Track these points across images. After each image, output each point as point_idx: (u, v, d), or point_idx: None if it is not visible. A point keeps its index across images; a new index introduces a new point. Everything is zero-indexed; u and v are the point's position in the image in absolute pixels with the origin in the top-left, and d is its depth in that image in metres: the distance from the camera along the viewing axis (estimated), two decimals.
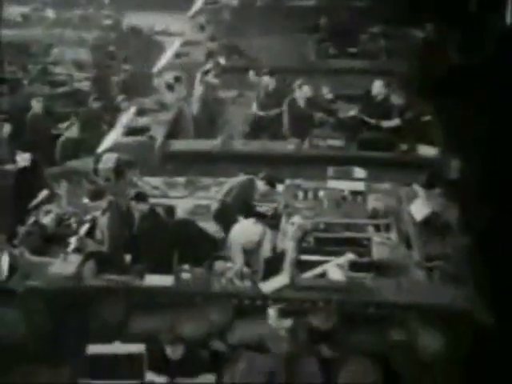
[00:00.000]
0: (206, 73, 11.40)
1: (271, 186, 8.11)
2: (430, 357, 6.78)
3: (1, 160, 9.26)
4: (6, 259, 7.18)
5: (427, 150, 9.76)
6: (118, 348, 5.69)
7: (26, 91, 12.72)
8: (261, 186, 8.08)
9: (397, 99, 10.24)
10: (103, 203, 7.54)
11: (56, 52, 15.05)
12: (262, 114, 10.67)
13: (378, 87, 10.07)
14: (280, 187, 8.58)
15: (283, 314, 6.59)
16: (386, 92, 10.05)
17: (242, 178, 8.30)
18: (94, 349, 5.61)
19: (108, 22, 17.56)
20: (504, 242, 8.54)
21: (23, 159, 8.86)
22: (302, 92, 10.21)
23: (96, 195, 7.74)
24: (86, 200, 8.07)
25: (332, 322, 6.94)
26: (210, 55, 12.94)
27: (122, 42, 16.45)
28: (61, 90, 12.99)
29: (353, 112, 10.24)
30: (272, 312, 6.58)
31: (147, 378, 5.63)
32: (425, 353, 6.81)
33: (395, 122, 9.87)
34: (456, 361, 6.73)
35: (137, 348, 5.58)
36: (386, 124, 9.84)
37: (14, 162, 8.97)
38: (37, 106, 10.88)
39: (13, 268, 7.16)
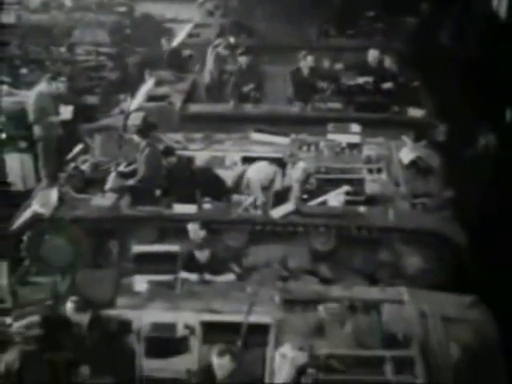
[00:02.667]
0: (217, 46, 12.62)
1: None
2: (413, 272, 8.03)
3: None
4: (55, 193, 8.46)
5: (416, 112, 10.99)
6: (157, 247, 6.98)
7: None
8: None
9: (390, 65, 11.45)
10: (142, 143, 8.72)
11: (77, 34, 16.25)
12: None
13: (373, 55, 11.33)
14: (286, 140, 9.84)
15: None
16: (381, 59, 11.29)
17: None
18: (137, 248, 6.90)
19: (122, 8, 18.70)
20: (476, 189, 9.77)
21: (66, 112, 10.13)
22: (307, 62, 11.44)
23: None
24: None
25: (331, 245, 8.23)
26: (221, 33, 14.13)
27: (135, 27, 17.65)
28: (83, 65, 14.13)
29: (364, 79, 11.39)
30: None
31: (181, 276, 6.90)
32: (408, 270, 8.07)
33: (389, 85, 11.07)
34: (435, 273, 7.99)
35: (173, 248, 6.86)
36: (383, 86, 11.02)
37: (58, 114, 10.21)
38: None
39: (61, 201, 8.43)
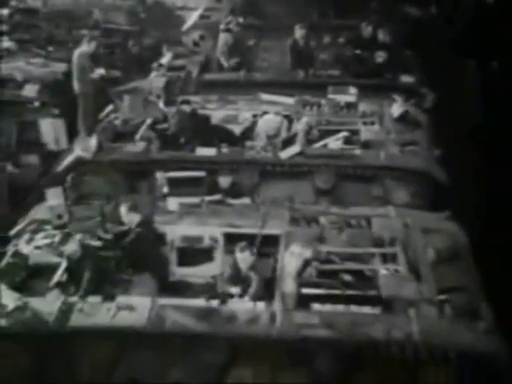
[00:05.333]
0: (228, 23, 14.04)
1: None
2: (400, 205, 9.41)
3: None
4: (94, 140, 9.88)
5: (407, 79, 12.40)
6: (187, 173, 8.41)
7: None
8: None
9: (383, 38, 12.86)
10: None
11: (96, 16, 17.64)
12: (225, 63, 13.24)
13: (367, 29, 12.75)
14: (291, 100, 11.25)
15: None
16: (375, 32, 12.71)
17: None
18: (171, 174, 8.35)
19: None
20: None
21: (97, 73, 11.60)
22: (301, 33, 12.82)
23: None
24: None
25: (331, 182, 9.63)
26: (231, 12, 15.55)
27: (148, 12, 19.05)
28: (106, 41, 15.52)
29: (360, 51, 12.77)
30: None
31: (206, 198, 8.33)
32: (396, 203, 9.44)
33: (381, 54, 12.47)
34: (420, 207, 9.36)
35: (200, 173, 8.29)
36: (377, 56, 12.43)
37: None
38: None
39: (99, 147, 9.84)
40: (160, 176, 9.24)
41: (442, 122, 11.63)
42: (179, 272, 8.07)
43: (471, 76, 14.38)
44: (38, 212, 8.32)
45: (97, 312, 6.61)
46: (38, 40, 15.45)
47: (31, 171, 12.03)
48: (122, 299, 6.78)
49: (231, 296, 7.09)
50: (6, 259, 7.35)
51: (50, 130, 12.73)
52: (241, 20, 15.41)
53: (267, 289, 7.21)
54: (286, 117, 10.62)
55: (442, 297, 6.82)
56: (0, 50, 14.42)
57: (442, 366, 6.10)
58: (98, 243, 7.34)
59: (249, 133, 10.28)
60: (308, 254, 7.20)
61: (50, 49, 15.28)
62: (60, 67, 13.39)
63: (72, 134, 12.11)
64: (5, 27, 16.14)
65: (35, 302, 6.73)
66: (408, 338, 6.23)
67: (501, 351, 6.19)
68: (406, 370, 6.22)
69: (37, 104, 12.82)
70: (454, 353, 6.12)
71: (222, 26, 14.09)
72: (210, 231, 8.00)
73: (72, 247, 7.18)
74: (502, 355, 6.16)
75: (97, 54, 12.27)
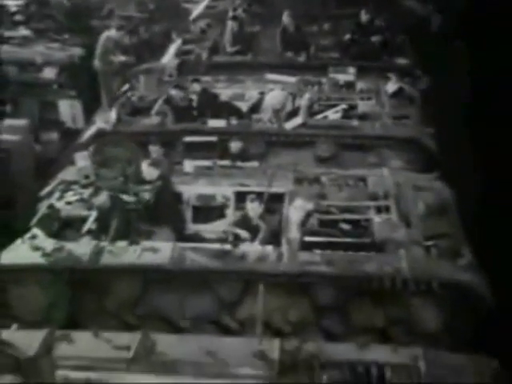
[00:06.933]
0: (236, 10, 14.94)
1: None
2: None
3: None
4: (114, 113, 10.79)
5: (402, 61, 13.30)
6: (202, 138, 9.34)
7: None
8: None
9: (379, 23, 13.76)
10: None
11: (108, 6, 18.54)
12: (228, 49, 14.10)
13: (364, 16, 13.66)
14: (294, 79, 12.16)
15: None
16: (372, 18, 13.62)
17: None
18: (188, 138, 9.29)
19: None
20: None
21: (119, 58, 12.60)
22: (288, 19, 13.73)
23: None
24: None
25: (331, 151, 10.52)
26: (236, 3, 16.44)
27: (156, 3, 19.94)
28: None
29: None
30: None
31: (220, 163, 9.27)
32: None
33: (378, 38, 13.37)
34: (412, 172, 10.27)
35: (212, 138, 9.22)
36: (373, 39, 13.33)
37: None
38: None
39: (119, 119, 10.76)
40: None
41: (434, 101, 12.52)
42: (194, 228, 8.96)
43: (461, 59, 15.26)
44: (67, 174, 9.24)
45: (124, 253, 7.54)
46: (54, 29, 16.33)
47: (51, 147, 13.01)
48: (146, 243, 7.70)
49: (242, 240, 7.98)
50: (42, 211, 8.26)
51: (68, 109, 13.71)
52: (246, 7, 16.37)
53: (274, 238, 8.11)
54: (290, 94, 11.51)
55: (429, 242, 7.73)
56: (18, 38, 15.30)
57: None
58: (123, 197, 8.25)
59: (256, 108, 11.17)
60: (310, 206, 8.10)
61: (66, 36, 16.22)
62: (77, 51, 14.32)
63: (88, 114, 13.08)
64: (21, 17, 17.05)
65: (70, 245, 7.65)
66: (398, 272, 7.13)
67: (477, 282, 7.10)
68: (396, 300, 7.13)
69: (55, 86, 13.78)
70: (437, 283, 7.02)
71: (229, 14, 15.01)
72: (222, 190, 8.90)
73: (102, 198, 8.09)
74: (478, 286, 7.06)
75: (121, 42, 13.15)
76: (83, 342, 6.10)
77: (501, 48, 13.05)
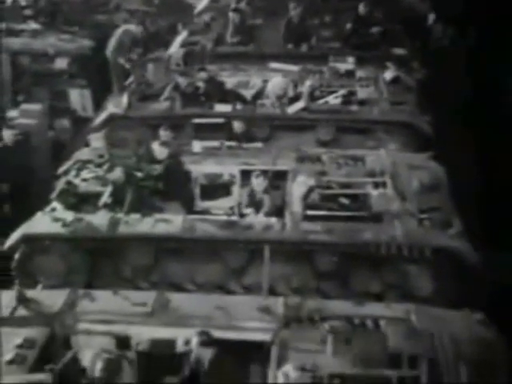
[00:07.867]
0: (239, 2, 15.48)
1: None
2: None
3: None
4: (125, 98, 11.36)
5: (398, 51, 13.84)
6: (210, 120, 9.92)
7: None
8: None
9: (378, 15, 14.31)
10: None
11: (115, 1, 19.07)
12: (230, 40, 14.55)
13: (363, 8, 14.20)
14: (296, 68, 12.71)
15: None
16: (370, 10, 14.16)
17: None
18: (196, 120, 9.88)
19: None
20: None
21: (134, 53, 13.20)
22: (295, 11, 14.26)
23: None
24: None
25: (331, 135, 11.08)
26: None
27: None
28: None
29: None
30: None
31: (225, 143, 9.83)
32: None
33: (376, 29, 13.92)
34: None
35: (221, 119, 9.80)
36: (372, 30, 13.89)
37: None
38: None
39: (129, 104, 11.32)
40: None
41: (430, 91, 13.07)
42: (202, 205, 9.51)
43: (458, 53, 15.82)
44: (82, 154, 9.82)
45: (139, 223, 8.11)
46: (62, 22, 16.88)
47: (63, 133, 13.59)
48: (158, 215, 8.27)
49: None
50: (60, 186, 8.83)
51: (78, 98, 14.28)
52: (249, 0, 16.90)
53: (278, 212, 8.67)
54: (292, 81, 12.06)
55: (422, 215, 8.29)
56: (29, 31, 15.86)
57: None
58: (137, 174, 8.82)
59: (259, 95, 11.73)
60: (311, 182, 8.67)
61: (76, 28, 16.76)
62: (87, 43, 14.87)
63: (97, 102, 13.66)
64: (30, 11, 17.60)
65: (88, 217, 8.22)
66: (393, 239, 7.70)
67: (466, 249, 7.67)
68: (392, 267, 7.70)
69: (66, 76, 14.36)
70: (429, 250, 7.59)
71: (232, 4, 15.56)
72: (229, 169, 9.46)
73: (117, 174, 8.67)
74: (466, 252, 7.64)
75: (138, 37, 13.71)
76: (103, 300, 6.68)
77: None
